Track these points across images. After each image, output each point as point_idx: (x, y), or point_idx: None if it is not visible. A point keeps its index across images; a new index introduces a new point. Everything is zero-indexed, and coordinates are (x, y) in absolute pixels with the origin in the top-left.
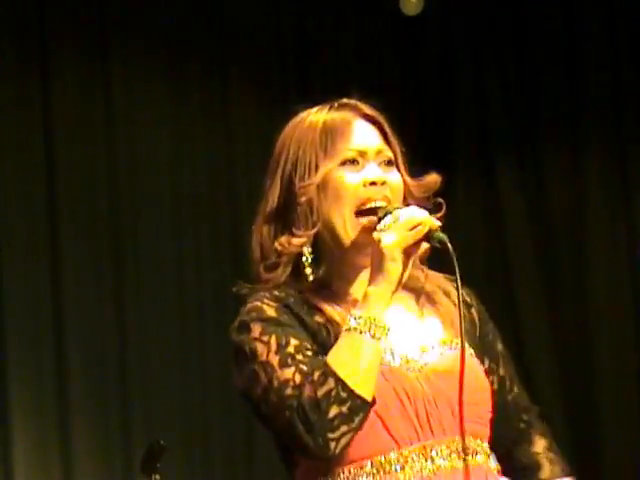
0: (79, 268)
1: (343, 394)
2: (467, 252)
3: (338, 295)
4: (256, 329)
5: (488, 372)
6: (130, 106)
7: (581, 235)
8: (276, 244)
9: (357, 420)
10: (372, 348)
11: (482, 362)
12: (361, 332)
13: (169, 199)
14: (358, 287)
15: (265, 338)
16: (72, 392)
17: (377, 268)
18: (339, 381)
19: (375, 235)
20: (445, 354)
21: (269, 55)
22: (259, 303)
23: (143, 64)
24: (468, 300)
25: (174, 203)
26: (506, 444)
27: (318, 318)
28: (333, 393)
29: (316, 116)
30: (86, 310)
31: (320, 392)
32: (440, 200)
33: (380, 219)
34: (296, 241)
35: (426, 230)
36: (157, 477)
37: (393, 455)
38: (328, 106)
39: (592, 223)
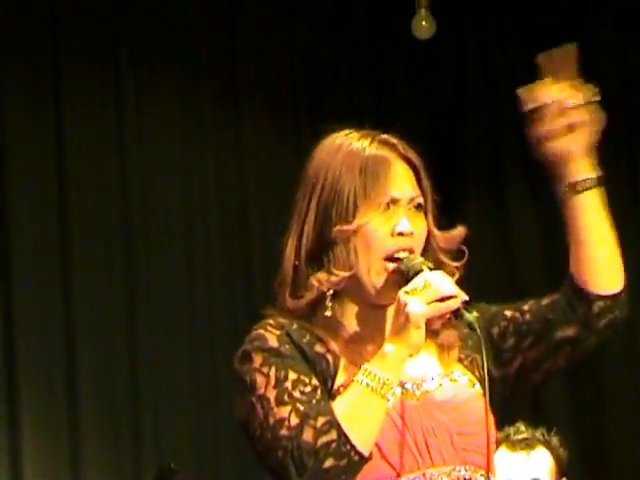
0: (90, 284)
1: (344, 449)
2: (477, 267)
3: (344, 328)
4: (257, 360)
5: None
6: (141, 121)
7: None
8: (313, 280)
9: (350, 474)
10: (380, 408)
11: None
12: (373, 390)
13: (181, 214)
14: (366, 324)
15: (265, 370)
16: (83, 411)
17: (399, 330)
18: (342, 435)
19: (402, 297)
20: (444, 385)
21: (281, 74)
22: (262, 331)
23: (155, 84)
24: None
25: (185, 218)
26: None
27: (319, 348)
28: (334, 445)
29: (356, 146)
30: (97, 327)
31: (321, 441)
32: (463, 247)
33: (407, 274)
34: (333, 279)
35: (455, 307)
36: None
37: None
38: (369, 138)
39: None
